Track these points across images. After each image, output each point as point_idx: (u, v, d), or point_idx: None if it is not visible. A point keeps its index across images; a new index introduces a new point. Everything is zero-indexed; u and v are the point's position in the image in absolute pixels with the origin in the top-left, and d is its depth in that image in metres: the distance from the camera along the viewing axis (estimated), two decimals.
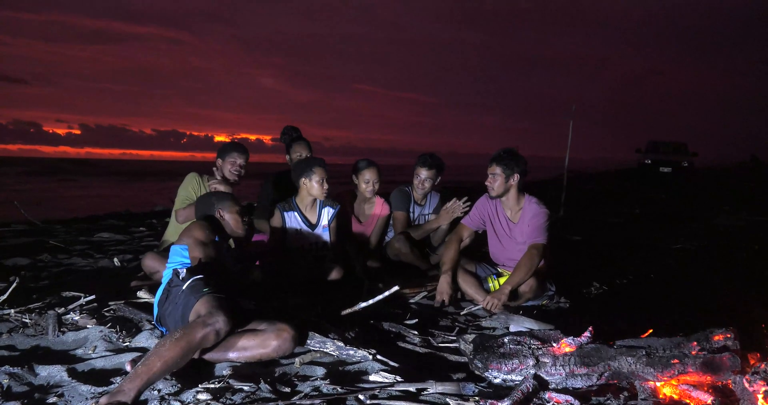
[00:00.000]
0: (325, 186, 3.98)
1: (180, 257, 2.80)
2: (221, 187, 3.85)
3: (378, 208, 4.67)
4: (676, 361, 2.19)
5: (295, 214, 4.04)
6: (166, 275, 2.78)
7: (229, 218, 3.09)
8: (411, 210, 4.75)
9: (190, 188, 4.01)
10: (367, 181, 4.50)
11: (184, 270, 2.64)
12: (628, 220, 9.07)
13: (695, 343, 2.29)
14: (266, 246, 4.14)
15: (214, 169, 4.09)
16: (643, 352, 2.24)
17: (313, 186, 3.97)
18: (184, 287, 2.56)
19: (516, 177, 3.63)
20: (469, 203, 4.33)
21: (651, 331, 2.63)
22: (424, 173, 4.58)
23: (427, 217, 4.83)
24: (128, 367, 2.31)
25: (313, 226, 4.07)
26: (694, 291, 4.20)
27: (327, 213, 4.13)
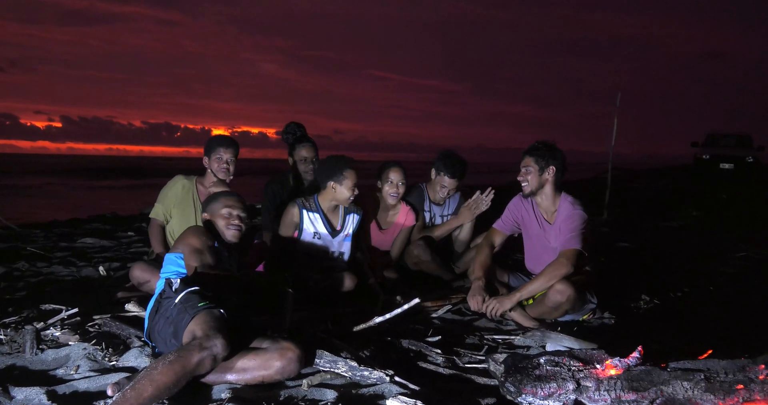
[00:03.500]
0: (356, 192, 3.98)
1: (175, 266, 2.83)
2: (215, 189, 3.89)
3: (402, 216, 4.65)
4: (740, 386, 2.16)
5: (318, 216, 4.03)
6: (159, 285, 2.81)
7: (217, 222, 3.14)
8: (428, 209, 4.76)
9: (171, 194, 4.07)
10: (390, 182, 4.48)
11: (178, 280, 2.67)
12: (683, 225, 8.98)
13: (763, 365, 2.26)
14: (262, 254, 4.15)
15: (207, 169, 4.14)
16: (702, 376, 2.21)
17: (343, 192, 3.96)
18: (176, 300, 2.58)
19: (551, 170, 3.65)
20: (493, 195, 4.36)
21: (710, 351, 2.60)
22: (450, 184, 4.63)
23: (446, 218, 4.85)
24: (109, 392, 2.32)
25: (335, 233, 4.07)
26: (760, 306, 4.14)
27: (352, 220, 4.14)
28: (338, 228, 4.08)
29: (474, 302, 3.63)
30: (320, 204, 4.04)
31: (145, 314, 2.80)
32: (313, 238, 4.02)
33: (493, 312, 3.50)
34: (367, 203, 4.59)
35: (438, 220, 4.85)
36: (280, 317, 3.12)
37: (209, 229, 3.07)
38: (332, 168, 3.97)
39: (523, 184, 3.73)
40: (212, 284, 2.72)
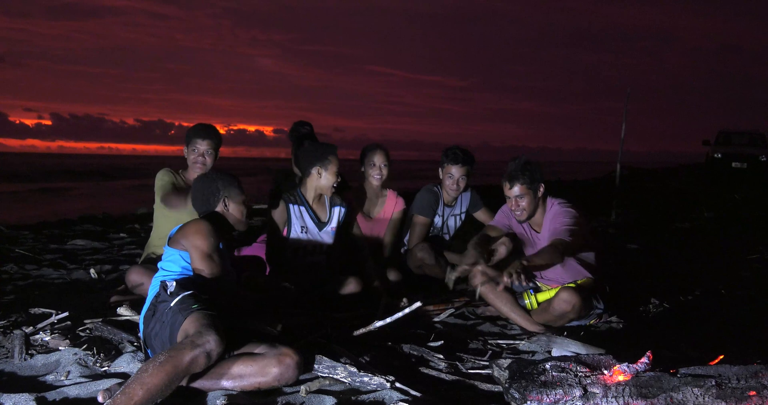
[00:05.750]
0: (338, 179, 4.01)
1: (178, 266, 2.80)
2: None
3: (391, 203, 4.73)
4: (752, 393, 2.16)
5: (303, 208, 4.04)
6: (153, 286, 2.79)
7: (234, 209, 3.10)
8: (440, 213, 4.77)
9: (167, 179, 3.97)
10: (373, 164, 4.58)
11: (174, 283, 2.66)
12: (694, 226, 8.97)
13: None
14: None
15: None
16: (713, 383, 2.21)
17: (328, 178, 3.98)
18: (172, 304, 2.57)
19: (542, 187, 3.69)
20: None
21: (722, 357, 2.60)
22: (457, 171, 4.61)
23: (458, 218, 4.87)
24: (100, 398, 2.32)
25: (321, 225, 4.09)
26: None
27: (339, 212, 4.17)
28: (324, 220, 4.11)
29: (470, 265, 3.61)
30: (304, 196, 4.06)
31: (140, 318, 2.80)
32: (301, 232, 4.02)
33: (520, 280, 3.25)
34: (352, 196, 4.65)
35: (451, 221, 4.87)
36: (275, 312, 3.13)
37: (216, 223, 2.95)
38: (317, 153, 3.99)
39: (517, 213, 3.70)
40: (208, 287, 2.72)
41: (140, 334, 2.79)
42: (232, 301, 2.92)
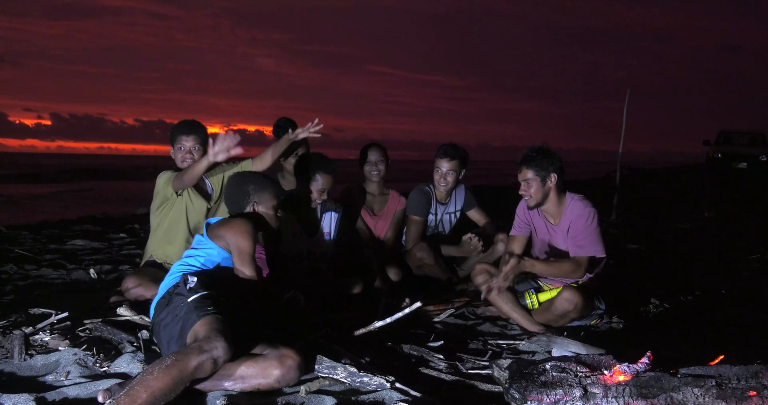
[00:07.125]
0: (323, 197, 3.97)
1: (207, 260, 2.85)
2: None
3: (393, 202, 4.80)
4: (753, 393, 2.16)
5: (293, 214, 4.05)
6: (173, 274, 2.81)
7: (263, 215, 3.11)
8: (434, 211, 4.78)
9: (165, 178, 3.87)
10: (369, 161, 4.66)
11: (194, 279, 2.67)
12: (695, 226, 8.97)
13: None
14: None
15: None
16: (713, 383, 2.21)
17: (310, 192, 3.96)
18: (189, 300, 2.58)
19: (553, 177, 3.61)
20: (481, 243, 4.47)
21: (722, 357, 2.60)
22: (445, 165, 4.64)
23: (453, 216, 4.87)
24: (100, 398, 2.31)
25: (312, 232, 4.09)
26: None
27: (330, 219, 4.15)
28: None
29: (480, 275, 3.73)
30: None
31: (152, 303, 2.80)
32: (294, 237, 4.02)
33: (508, 270, 3.50)
34: (355, 194, 4.66)
35: (446, 219, 4.87)
36: (298, 320, 3.13)
37: (255, 225, 2.96)
38: (310, 166, 3.96)
39: (525, 198, 3.69)
40: (227, 286, 2.75)
41: (150, 315, 2.81)
42: (247, 299, 2.92)
